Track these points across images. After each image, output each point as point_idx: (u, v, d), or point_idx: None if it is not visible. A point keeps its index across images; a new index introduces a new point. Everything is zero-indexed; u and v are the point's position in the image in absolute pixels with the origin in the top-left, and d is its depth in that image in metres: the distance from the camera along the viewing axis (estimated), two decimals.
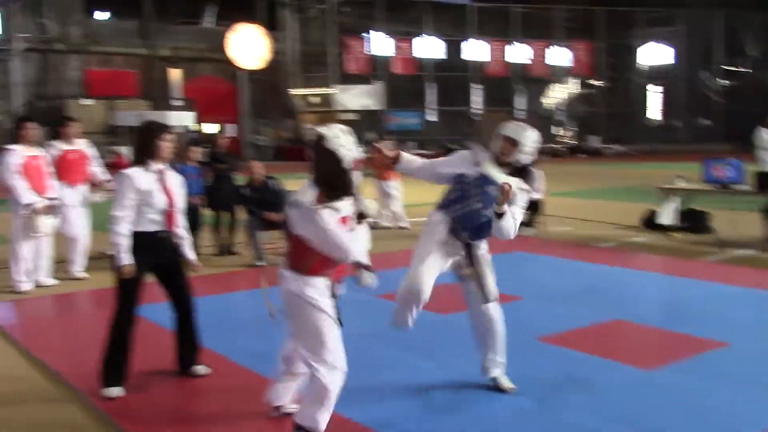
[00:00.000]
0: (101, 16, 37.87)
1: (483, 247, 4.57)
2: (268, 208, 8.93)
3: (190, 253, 4.94)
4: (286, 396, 4.20)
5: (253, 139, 37.46)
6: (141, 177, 4.61)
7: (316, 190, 3.58)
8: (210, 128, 35.47)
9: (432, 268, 4.38)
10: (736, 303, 6.90)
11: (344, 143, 3.61)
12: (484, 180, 4.34)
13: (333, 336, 3.68)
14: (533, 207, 10.91)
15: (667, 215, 10.91)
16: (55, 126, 8.34)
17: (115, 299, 4.72)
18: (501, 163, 4.39)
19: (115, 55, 35.77)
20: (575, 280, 8.06)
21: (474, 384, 4.73)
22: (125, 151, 25.28)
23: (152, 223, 4.66)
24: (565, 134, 44.07)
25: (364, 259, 3.75)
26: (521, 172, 4.43)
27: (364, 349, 5.39)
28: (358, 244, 3.70)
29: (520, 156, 4.37)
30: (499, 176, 4.31)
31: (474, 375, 4.82)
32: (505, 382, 4.59)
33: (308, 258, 3.64)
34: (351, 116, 36.84)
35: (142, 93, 35.89)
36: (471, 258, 4.48)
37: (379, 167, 12.08)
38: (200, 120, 35.15)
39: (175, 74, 36.37)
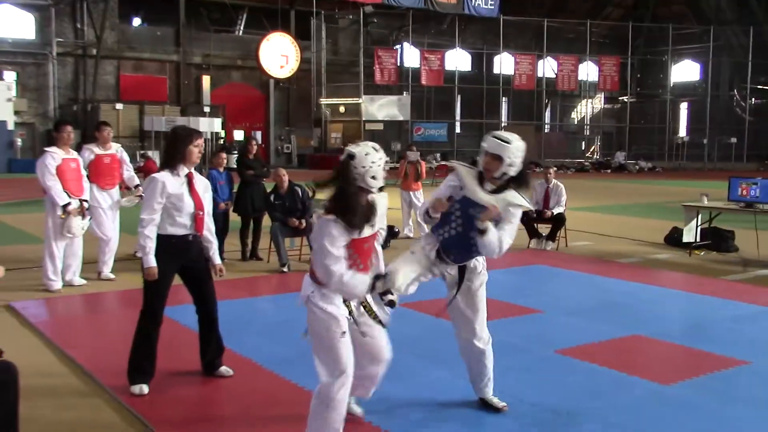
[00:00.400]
0: (136, 22, 38.53)
1: (478, 271, 4.42)
2: (293, 215, 9.08)
3: (216, 258, 5.05)
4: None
5: (279, 146, 37.81)
6: (170, 181, 4.73)
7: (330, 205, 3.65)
8: (238, 134, 35.91)
9: (411, 267, 4.25)
10: (759, 322, 6.89)
11: (375, 159, 3.66)
12: (466, 202, 4.22)
13: (338, 345, 3.69)
14: (556, 221, 10.95)
15: (691, 233, 10.88)
16: (93, 130, 8.55)
17: (142, 299, 4.86)
18: (488, 179, 4.22)
19: (148, 60, 36.36)
20: (596, 294, 8.09)
21: None
22: (155, 155, 25.71)
23: (181, 227, 4.78)
24: (591, 149, 43.90)
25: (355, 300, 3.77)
26: (515, 182, 4.24)
27: None
28: (359, 284, 3.65)
29: (507, 169, 4.18)
30: (483, 196, 4.17)
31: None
32: (497, 402, 4.55)
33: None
34: (377, 126, 37.05)
35: (172, 98, 36.43)
36: (460, 283, 4.38)
37: (404, 177, 12.21)
38: (228, 126, 35.57)
39: (206, 81, 36.87)
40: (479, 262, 4.43)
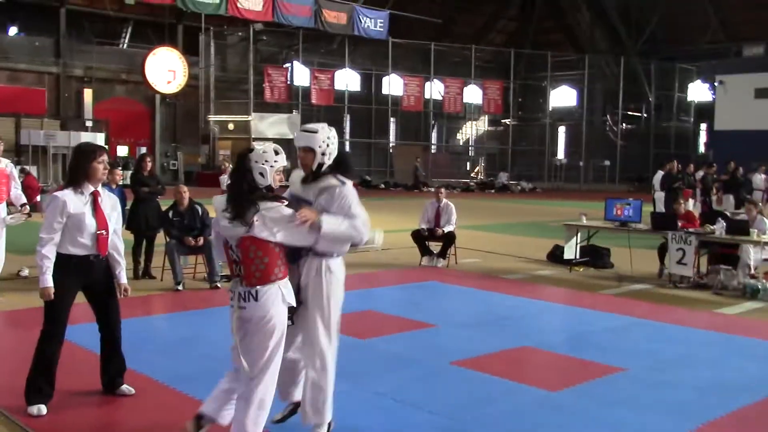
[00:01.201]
0: (12, 31, 36.77)
1: (328, 267, 4.21)
2: (191, 233, 9.01)
3: (122, 277, 5.01)
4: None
5: (166, 163, 36.93)
6: (72, 200, 4.62)
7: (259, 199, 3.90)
8: (122, 150, 34.85)
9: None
10: (633, 332, 7.44)
11: (269, 159, 3.95)
12: (296, 199, 4.22)
13: (281, 350, 3.95)
14: (447, 239, 11.35)
15: (571, 250, 11.53)
16: None
17: (43, 319, 4.75)
18: (310, 172, 4.21)
19: (25, 72, 34.73)
20: (486, 309, 8.48)
21: (388, 404, 5.00)
22: (33, 170, 24.63)
23: (81, 247, 4.67)
24: (475, 170, 45.32)
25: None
26: (337, 169, 4.23)
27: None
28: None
29: (322, 159, 4.17)
30: (295, 189, 4.28)
31: (387, 395, 5.12)
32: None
33: (279, 263, 3.92)
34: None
35: (51, 112, 34.93)
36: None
37: None
38: (112, 142, 34.46)
39: (87, 94, 35.58)
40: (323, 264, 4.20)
